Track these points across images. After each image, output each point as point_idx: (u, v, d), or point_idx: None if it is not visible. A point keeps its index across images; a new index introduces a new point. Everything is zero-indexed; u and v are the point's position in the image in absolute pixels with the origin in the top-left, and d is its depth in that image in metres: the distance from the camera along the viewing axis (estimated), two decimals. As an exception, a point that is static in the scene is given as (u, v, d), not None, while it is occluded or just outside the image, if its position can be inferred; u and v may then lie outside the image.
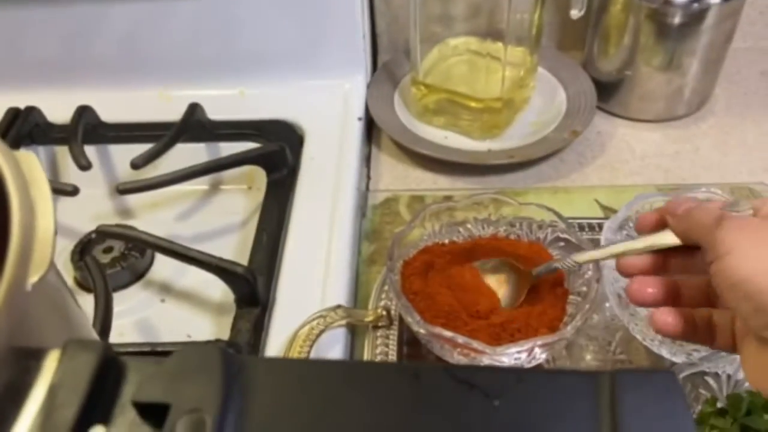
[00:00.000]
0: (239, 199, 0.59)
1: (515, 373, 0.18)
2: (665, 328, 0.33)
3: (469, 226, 0.48)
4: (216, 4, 0.57)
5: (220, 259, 0.45)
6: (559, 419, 0.17)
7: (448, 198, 0.54)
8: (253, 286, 0.44)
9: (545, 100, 0.61)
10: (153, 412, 0.18)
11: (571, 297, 0.43)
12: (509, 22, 0.54)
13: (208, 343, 0.43)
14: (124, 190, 0.50)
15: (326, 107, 0.61)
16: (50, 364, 0.19)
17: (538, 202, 0.46)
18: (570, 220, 0.45)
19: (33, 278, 0.20)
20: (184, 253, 0.45)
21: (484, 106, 0.57)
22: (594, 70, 0.61)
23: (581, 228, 0.50)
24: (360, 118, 0.60)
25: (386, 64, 0.66)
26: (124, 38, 0.60)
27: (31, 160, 0.24)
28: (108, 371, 0.19)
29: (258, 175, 0.57)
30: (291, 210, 0.53)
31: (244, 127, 0.58)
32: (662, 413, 0.16)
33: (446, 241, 0.47)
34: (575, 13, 0.55)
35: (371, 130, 0.63)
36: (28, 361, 0.19)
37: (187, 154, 0.57)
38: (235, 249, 0.54)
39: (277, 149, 0.54)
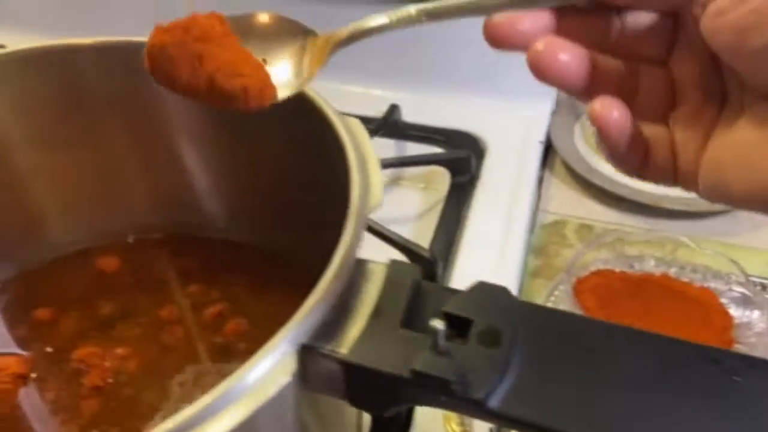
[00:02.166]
0: (415, 196, 0.66)
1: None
2: (610, 129, 0.24)
3: (642, 260, 0.52)
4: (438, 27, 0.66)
5: (408, 240, 0.52)
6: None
7: (620, 231, 0.58)
8: (434, 271, 0.51)
9: (728, 158, 0.64)
10: (456, 325, 0.24)
11: (737, 346, 0.46)
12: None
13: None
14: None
15: (510, 127, 0.67)
16: (378, 273, 0.26)
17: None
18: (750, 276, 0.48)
19: (369, 211, 0.27)
20: (379, 230, 0.53)
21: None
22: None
23: (755, 285, 0.52)
24: (541, 142, 0.66)
25: (570, 98, 0.71)
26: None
27: (357, 125, 0.31)
28: (419, 289, 0.25)
29: (437, 177, 0.65)
30: (468, 213, 0.59)
31: (434, 132, 0.66)
32: None
33: (617, 270, 0.52)
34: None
35: (546, 155, 0.68)
36: (362, 269, 0.26)
37: (378, 147, 0.65)
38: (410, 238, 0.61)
39: (464, 156, 0.62)
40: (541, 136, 0.66)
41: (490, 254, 0.55)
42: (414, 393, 0.22)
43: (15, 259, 0.43)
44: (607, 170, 0.65)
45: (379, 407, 0.24)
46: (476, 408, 0.21)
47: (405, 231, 0.64)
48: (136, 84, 0.35)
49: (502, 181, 0.62)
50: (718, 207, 0.60)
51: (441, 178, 0.65)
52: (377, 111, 0.67)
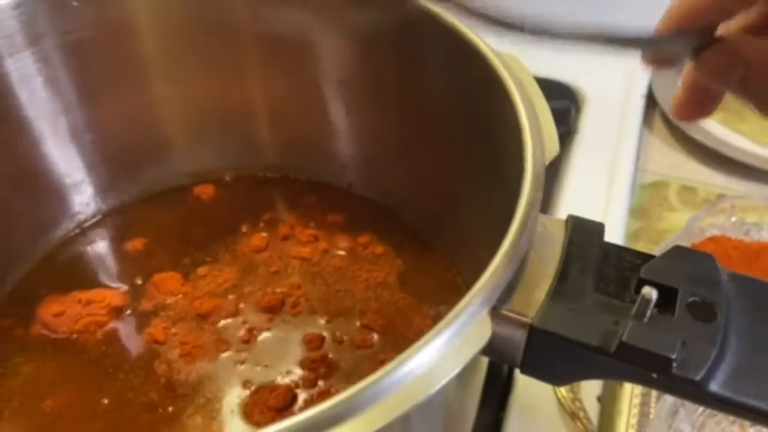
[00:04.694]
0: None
1: None
2: None
3: (762, 228, 0.48)
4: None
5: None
6: None
7: (722, 196, 0.55)
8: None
9: None
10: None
11: None
12: None
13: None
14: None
15: (610, 79, 0.62)
16: (557, 230, 0.23)
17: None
18: None
19: (547, 160, 0.24)
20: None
21: (788, 112, 0.56)
22: None
23: None
24: (643, 96, 0.61)
25: (674, 49, 0.66)
26: None
27: (517, 62, 0.28)
28: (605, 250, 0.22)
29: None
30: (567, 169, 0.55)
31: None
32: None
33: (733, 237, 0.48)
34: None
35: (645, 111, 0.64)
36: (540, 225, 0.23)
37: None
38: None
39: (563, 107, 0.57)
40: (643, 90, 0.62)
41: (591, 213, 0.51)
42: (616, 367, 0.20)
43: (120, 190, 0.41)
44: (713, 128, 0.61)
45: (560, 378, 0.22)
46: (693, 389, 0.19)
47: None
48: (283, 19, 0.32)
49: (601, 136, 0.58)
50: (836, 175, 0.55)
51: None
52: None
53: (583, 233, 0.23)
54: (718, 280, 0.21)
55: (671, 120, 0.60)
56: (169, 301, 0.38)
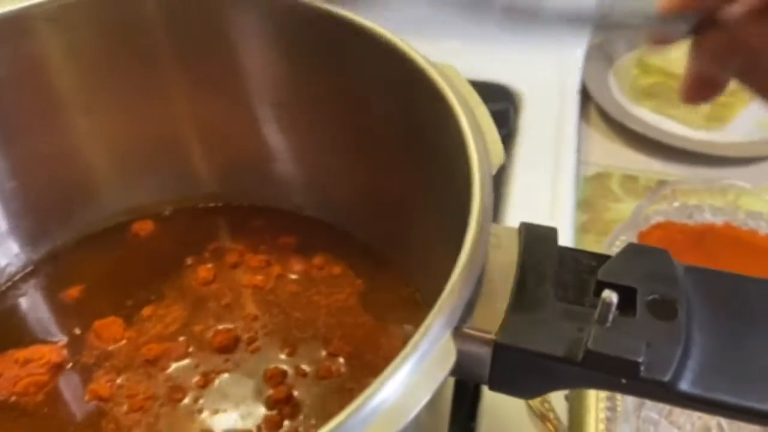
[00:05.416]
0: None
1: None
2: None
3: (703, 210, 0.49)
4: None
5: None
6: None
7: (663, 182, 0.56)
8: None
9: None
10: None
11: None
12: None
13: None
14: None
15: (544, 77, 0.63)
16: (510, 239, 0.22)
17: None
18: (818, 220, 0.46)
19: (493, 169, 0.23)
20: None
21: (715, 96, 0.58)
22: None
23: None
24: (578, 91, 0.62)
25: (602, 43, 0.67)
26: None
27: (454, 71, 0.27)
28: (561, 255, 0.22)
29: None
30: (512, 169, 0.56)
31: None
32: None
33: (677, 221, 0.49)
34: None
35: (581, 106, 0.65)
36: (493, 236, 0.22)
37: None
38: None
39: (502, 108, 0.58)
40: (577, 85, 0.63)
41: (540, 211, 0.52)
42: (584, 376, 0.19)
43: (50, 236, 0.38)
44: (646, 116, 0.62)
45: (530, 391, 0.21)
46: (663, 391, 0.18)
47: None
48: (203, 32, 0.30)
49: (542, 134, 0.58)
50: (765, 152, 0.57)
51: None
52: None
53: (537, 240, 0.22)
54: (675, 276, 0.21)
55: (607, 112, 0.62)
56: (111, 349, 0.36)
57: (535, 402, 0.39)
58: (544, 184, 0.54)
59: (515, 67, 0.64)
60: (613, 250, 0.51)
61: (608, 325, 0.19)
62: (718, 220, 0.49)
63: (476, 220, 0.21)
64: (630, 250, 0.22)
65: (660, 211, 0.49)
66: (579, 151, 0.62)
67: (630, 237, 0.47)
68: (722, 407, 0.18)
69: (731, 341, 0.20)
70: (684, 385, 0.19)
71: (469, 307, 0.20)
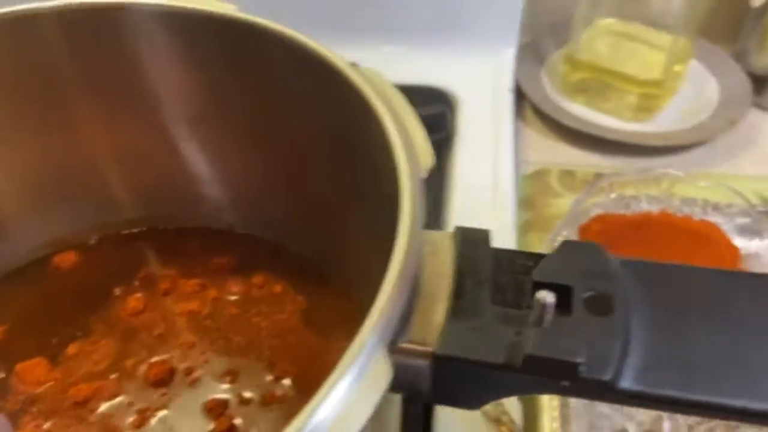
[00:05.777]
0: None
1: None
2: None
3: (639, 200, 0.50)
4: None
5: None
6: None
7: (599, 175, 0.57)
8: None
9: (695, 90, 0.63)
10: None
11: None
12: (669, 7, 0.56)
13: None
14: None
15: (477, 77, 0.63)
16: (444, 244, 0.22)
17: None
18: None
19: (424, 172, 0.23)
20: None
21: (643, 89, 0.60)
22: (747, 63, 0.63)
23: (759, 213, 0.52)
24: (510, 89, 0.62)
25: (532, 42, 0.68)
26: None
27: (379, 75, 0.27)
28: (496, 257, 0.21)
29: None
30: (452, 172, 0.55)
31: (402, 92, 0.61)
32: None
33: (615, 213, 0.50)
34: (758, 1, 0.57)
35: (517, 104, 0.65)
36: (426, 242, 0.21)
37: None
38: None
39: (438, 112, 0.57)
40: (509, 83, 0.63)
41: (482, 212, 0.52)
42: (526, 381, 0.18)
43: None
44: (579, 112, 0.63)
45: (474, 402, 0.20)
46: (605, 390, 0.18)
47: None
48: (108, 52, 0.28)
49: (479, 135, 0.58)
50: (697, 138, 0.59)
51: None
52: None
53: (472, 244, 0.21)
54: (609, 270, 0.20)
55: (541, 110, 0.62)
56: (37, 392, 0.33)
57: (489, 406, 0.38)
58: (484, 185, 0.54)
59: (450, 71, 0.64)
60: (556, 246, 0.52)
61: (546, 326, 0.19)
62: (654, 209, 0.50)
63: (406, 226, 0.20)
64: (565, 247, 0.21)
65: (598, 204, 0.50)
66: (517, 150, 0.62)
67: (571, 232, 0.47)
68: (667, 402, 0.18)
69: (672, 333, 0.19)
70: (626, 383, 0.18)
71: (404, 320, 0.19)
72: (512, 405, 0.40)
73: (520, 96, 0.64)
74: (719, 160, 0.60)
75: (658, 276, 0.21)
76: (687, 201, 0.49)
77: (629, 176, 0.50)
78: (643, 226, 0.48)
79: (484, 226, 0.50)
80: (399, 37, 0.65)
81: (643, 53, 0.61)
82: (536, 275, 0.20)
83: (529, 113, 0.65)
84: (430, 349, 0.19)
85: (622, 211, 0.50)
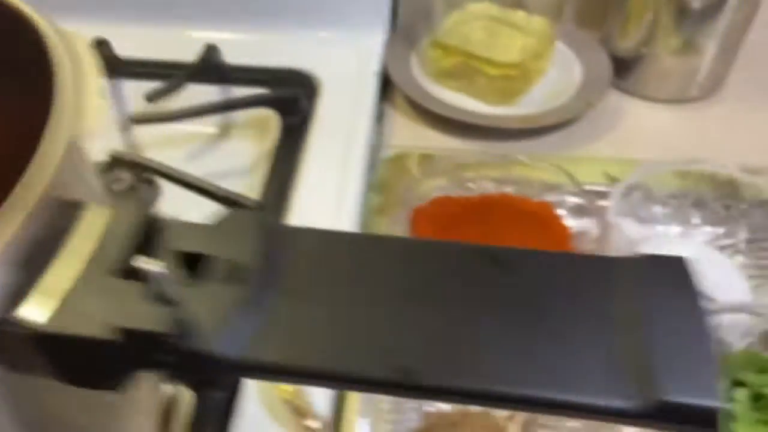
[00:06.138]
0: (248, 145, 0.60)
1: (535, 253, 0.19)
2: None
3: (480, 182, 0.49)
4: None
5: (231, 191, 0.46)
6: (575, 295, 0.18)
7: (451, 159, 0.56)
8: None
9: (561, 74, 0.63)
10: (193, 264, 0.19)
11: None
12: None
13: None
14: (138, 120, 0.51)
15: (343, 61, 0.62)
16: (97, 217, 0.20)
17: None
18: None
19: (86, 133, 0.21)
20: (196, 183, 0.46)
21: (502, 72, 0.59)
22: (612, 47, 0.63)
23: (588, 194, 0.52)
24: (376, 73, 0.61)
25: (405, 26, 0.67)
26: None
27: (81, 39, 0.25)
28: (152, 226, 0.20)
29: (269, 124, 0.59)
30: (303, 156, 0.54)
31: (260, 74, 0.60)
32: (675, 294, 0.18)
33: (456, 195, 0.49)
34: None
35: (386, 89, 0.64)
36: (69, 210, 0.20)
37: (201, 95, 0.58)
38: (244, 191, 0.55)
39: (291, 94, 0.56)
40: (374, 67, 0.62)
41: (327, 197, 0.50)
42: (130, 357, 0.17)
43: None
44: (448, 96, 0.62)
45: (106, 381, 0.19)
46: (207, 363, 0.17)
47: (239, 184, 0.58)
48: None
49: (337, 118, 0.57)
50: (554, 120, 0.59)
51: (272, 122, 0.59)
52: (194, 54, 0.59)
53: (126, 213, 0.20)
54: (259, 239, 0.19)
55: (409, 95, 0.61)
56: None
57: (291, 395, 0.37)
58: (334, 170, 0.53)
59: (315, 54, 0.62)
60: (394, 229, 0.50)
61: (161, 297, 0.17)
62: (494, 191, 0.50)
63: (36, 190, 0.18)
64: (229, 218, 0.20)
65: (440, 187, 0.49)
66: (381, 134, 0.61)
67: (405, 214, 0.46)
68: (272, 372, 0.17)
69: (301, 303, 0.18)
70: (230, 352, 0.17)
71: (16, 292, 0.18)
72: (321, 397, 0.38)
73: (390, 80, 0.63)
74: (580, 142, 0.59)
75: (313, 243, 0.19)
76: (525, 183, 0.49)
77: (471, 158, 0.49)
78: (482, 207, 0.48)
79: (328, 210, 0.50)
80: (266, 20, 0.64)
81: (509, 36, 0.61)
82: (181, 244, 0.19)
83: (398, 98, 0.63)
84: (32, 326, 0.17)
85: (463, 193, 0.50)
